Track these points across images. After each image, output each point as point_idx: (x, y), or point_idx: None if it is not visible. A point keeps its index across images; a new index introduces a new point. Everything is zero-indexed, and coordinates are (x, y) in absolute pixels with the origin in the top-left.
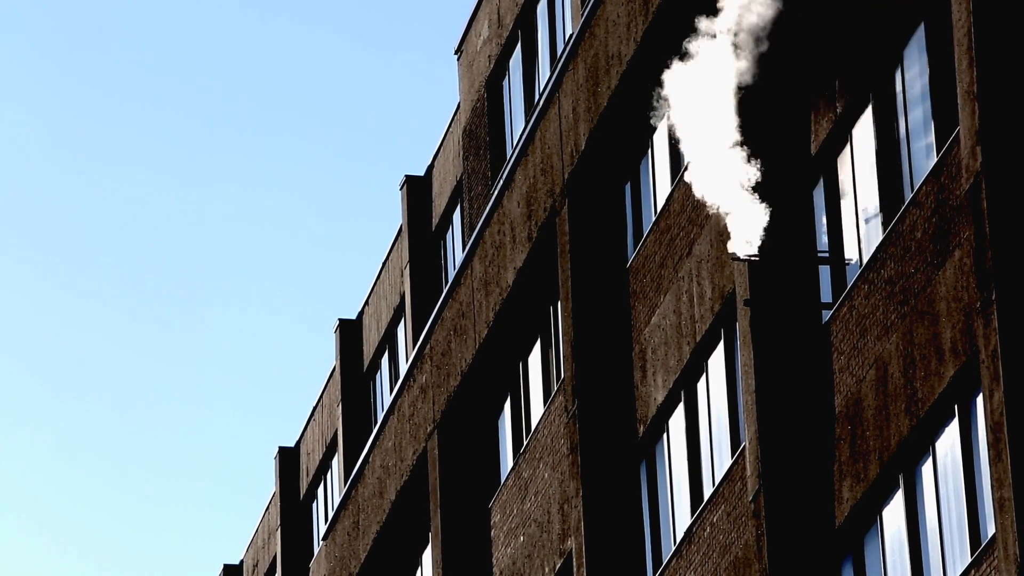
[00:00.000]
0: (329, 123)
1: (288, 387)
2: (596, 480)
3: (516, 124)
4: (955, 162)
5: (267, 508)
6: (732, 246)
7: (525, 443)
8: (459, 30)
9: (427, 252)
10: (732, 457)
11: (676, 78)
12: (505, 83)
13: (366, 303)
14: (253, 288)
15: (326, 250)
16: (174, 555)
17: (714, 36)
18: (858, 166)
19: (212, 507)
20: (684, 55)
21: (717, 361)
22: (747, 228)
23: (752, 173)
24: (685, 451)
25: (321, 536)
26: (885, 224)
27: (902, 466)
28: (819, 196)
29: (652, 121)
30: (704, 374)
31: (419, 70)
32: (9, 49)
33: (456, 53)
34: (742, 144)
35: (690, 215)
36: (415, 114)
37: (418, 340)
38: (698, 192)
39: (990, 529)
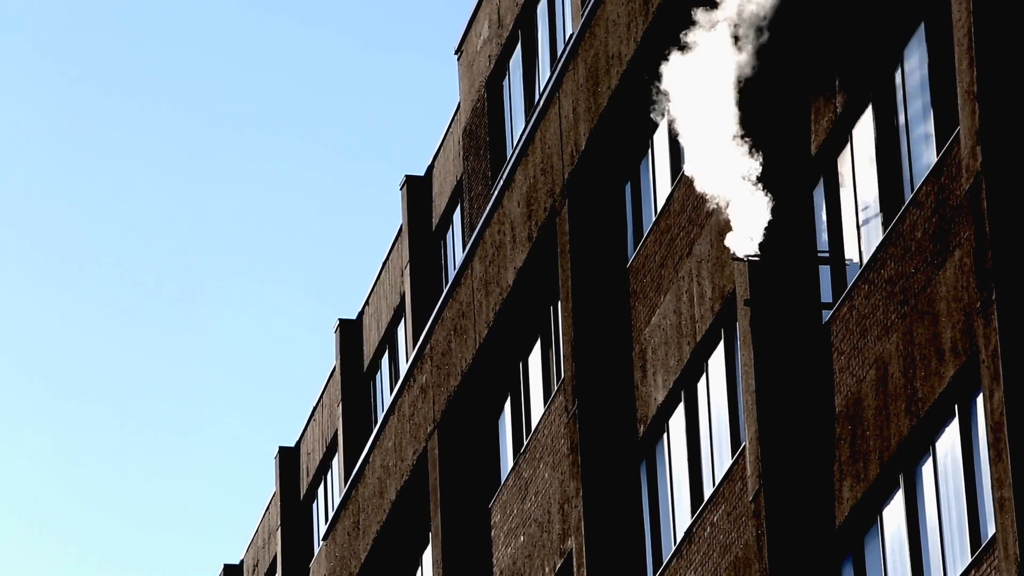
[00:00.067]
0: (329, 123)
1: (288, 387)
2: (596, 480)
3: (516, 124)
4: (955, 162)
5: (267, 508)
6: (733, 239)
7: (525, 443)
8: (459, 30)
9: (427, 252)
10: (732, 457)
11: (676, 72)
12: (505, 83)
13: (366, 303)
14: (253, 288)
15: (326, 250)
16: (174, 555)
17: (713, 26)
18: (858, 166)
19: (212, 507)
20: (684, 47)
21: (717, 361)
22: (748, 220)
23: (753, 166)
24: (685, 451)
25: (321, 536)
26: (885, 224)
27: (902, 466)
28: (819, 196)
29: (652, 115)
30: (704, 374)
31: (419, 70)
32: (9, 49)
33: (456, 53)
34: (743, 136)
35: (690, 215)
36: (415, 114)
37: (418, 340)
38: (699, 186)
39: (990, 529)
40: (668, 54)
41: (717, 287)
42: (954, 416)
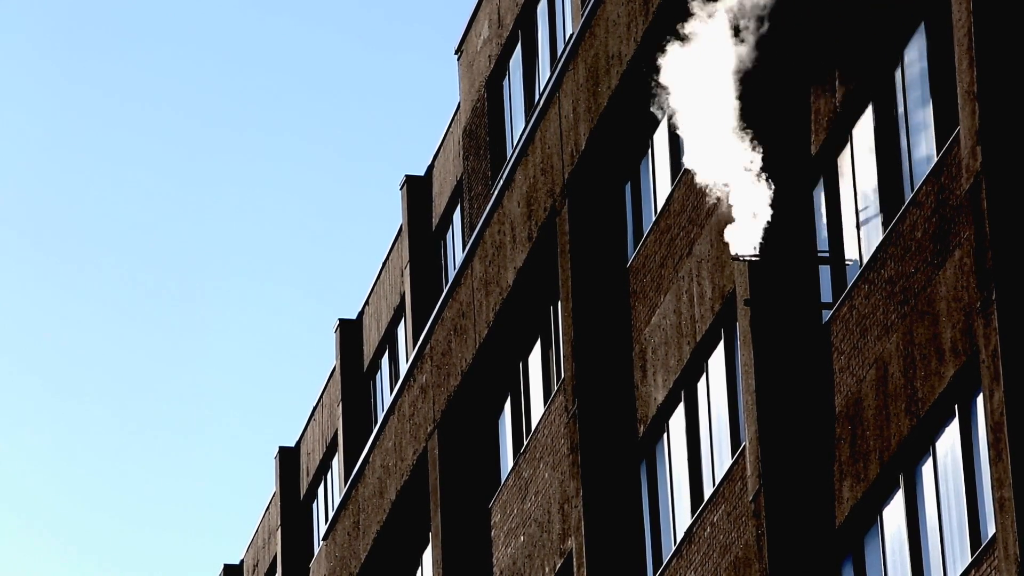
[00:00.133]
0: (329, 123)
1: (288, 387)
2: (596, 480)
3: (516, 124)
4: (955, 162)
5: (267, 508)
6: (735, 231)
7: (525, 443)
8: (459, 30)
9: (427, 252)
10: (732, 457)
11: (675, 67)
12: (505, 83)
13: (366, 303)
14: (253, 288)
15: (326, 250)
16: (174, 555)
17: (711, 15)
18: (858, 166)
19: (212, 507)
20: (684, 38)
21: (717, 361)
22: (750, 211)
23: (754, 158)
24: (685, 451)
25: (321, 536)
26: (885, 224)
27: (902, 466)
28: (819, 196)
29: (652, 109)
30: (704, 374)
31: (419, 70)
32: (9, 49)
33: (456, 53)
34: (743, 127)
35: (690, 215)
36: (415, 114)
37: (418, 340)
38: (699, 178)
39: (990, 529)
40: (667, 44)
41: (717, 287)
42: (954, 416)
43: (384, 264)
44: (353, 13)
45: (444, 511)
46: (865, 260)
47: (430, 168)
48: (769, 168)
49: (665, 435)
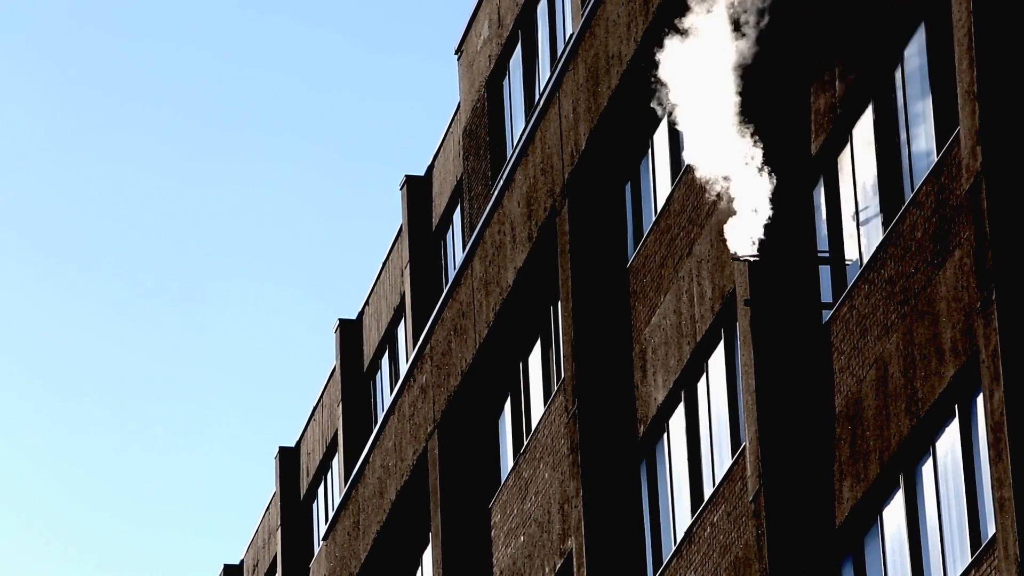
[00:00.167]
0: (329, 123)
1: (288, 387)
2: (596, 480)
3: (516, 124)
4: (955, 162)
5: (267, 508)
6: (736, 225)
7: (525, 443)
8: (459, 30)
9: (427, 252)
10: (732, 457)
11: (675, 66)
12: (505, 83)
13: (366, 303)
14: (253, 288)
15: (326, 250)
16: (174, 555)
17: (710, 10)
18: (858, 166)
19: (212, 507)
20: (684, 33)
21: (717, 361)
22: (751, 204)
23: (755, 153)
24: (685, 451)
25: (321, 536)
26: (885, 224)
27: (902, 466)
28: (819, 196)
29: (653, 105)
30: (704, 374)
31: (419, 70)
32: (9, 49)
33: (456, 53)
34: (744, 121)
35: (690, 215)
36: (415, 114)
37: (418, 340)
38: (700, 172)
39: (990, 529)
40: (666, 36)
41: (717, 287)
42: (954, 416)
43: (384, 264)
44: (353, 13)
45: (444, 511)
46: (865, 260)
47: (430, 168)
48: (769, 170)
49: (665, 435)
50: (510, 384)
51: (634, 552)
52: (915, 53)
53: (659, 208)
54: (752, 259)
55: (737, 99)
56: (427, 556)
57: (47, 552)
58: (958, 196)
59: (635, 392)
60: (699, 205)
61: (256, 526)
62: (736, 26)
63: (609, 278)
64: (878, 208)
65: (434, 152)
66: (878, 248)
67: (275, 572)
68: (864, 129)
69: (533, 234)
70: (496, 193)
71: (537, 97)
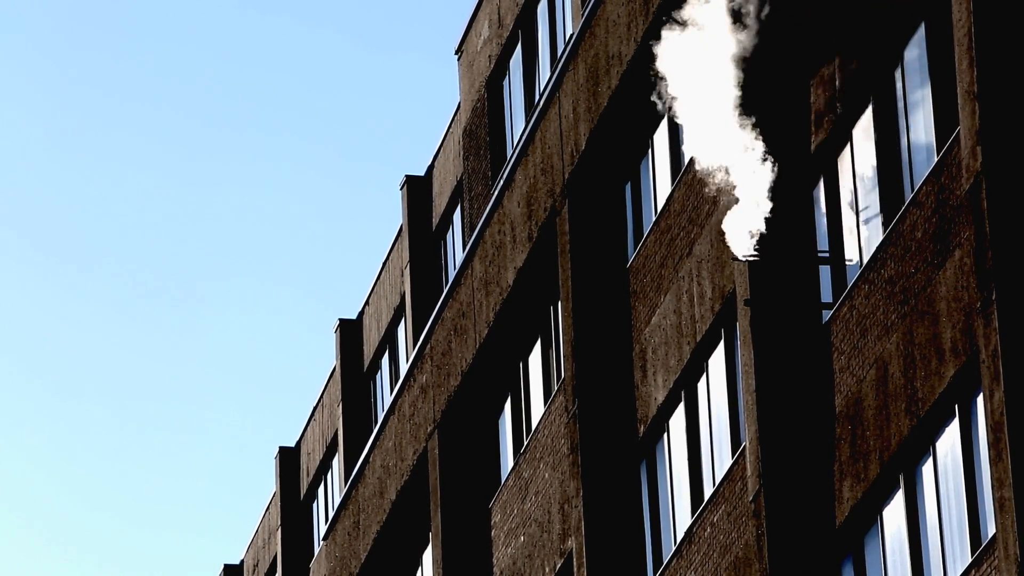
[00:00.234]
0: (329, 123)
1: (288, 387)
2: (596, 480)
3: (516, 124)
4: (955, 162)
5: (267, 508)
6: (736, 218)
7: (525, 443)
8: (459, 30)
9: (427, 252)
10: (732, 457)
11: (675, 57)
12: (505, 83)
13: (366, 303)
14: (253, 288)
15: (326, 250)
16: (174, 555)
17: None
18: (858, 166)
19: (212, 507)
20: (683, 24)
21: (717, 361)
22: (751, 199)
23: (756, 146)
24: (685, 451)
25: (321, 536)
26: (885, 224)
27: (902, 466)
28: (819, 196)
29: (653, 98)
30: (704, 374)
31: (419, 70)
32: (9, 49)
33: (456, 53)
34: (743, 114)
35: (690, 215)
36: (415, 114)
37: (418, 340)
38: (700, 164)
39: (990, 529)
40: (666, 26)
41: (717, 287)
42: (954, 416)
43: (384, 264)
44: (353, 13)
45: (444, 511)
46: (865, 260)
47: (430, 168)
48: (769, 165)
49: (665, 435)
50: (510, 384)
51: (634, 552)
52: (915, 53)
53: (659, 208)
54: (752, 259)
55: (737, 100)
56: (427, 556)
57: (47, 552)
58: (958, 196)
59: (635, 392)
60: (699, 205)
61: (256, 526)
62: (736, 17)
63: (609, 278)
64: (878, 208)
65: (434, 152)
66: (878, 248)
67: (275, 572)
68: (864, 129)
69: (533, 234)
70: (496, 193)
71: (537, 97)
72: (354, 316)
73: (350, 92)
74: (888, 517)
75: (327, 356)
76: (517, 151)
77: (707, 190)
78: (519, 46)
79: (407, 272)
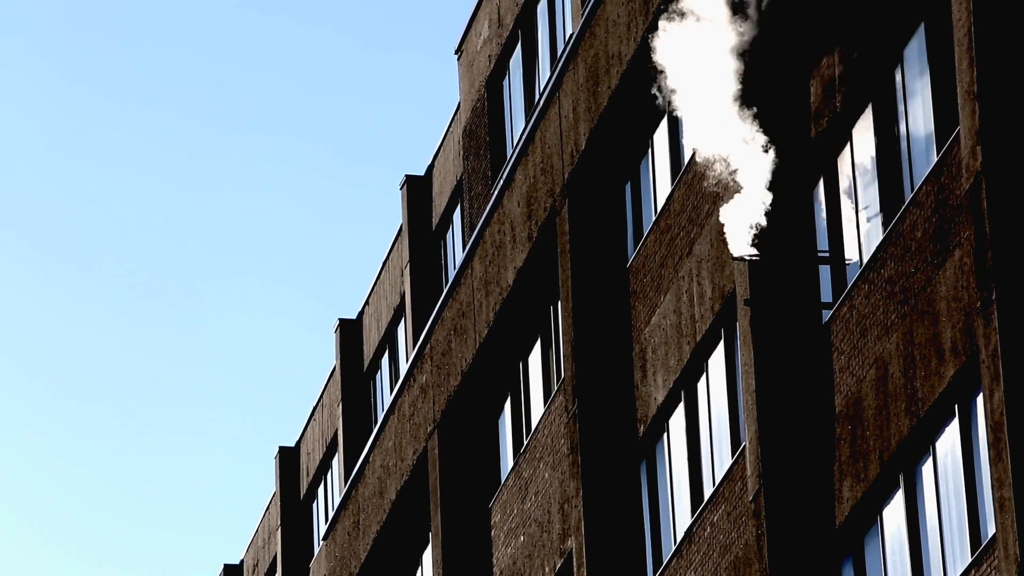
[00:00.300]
0: (329, 123)
1: (288, 387)
2: (596, 480)
3: (516, 124)
4: (955, 162)
5: (267, 508)
6: (737, 209)
7: (525, 443)
8: (459, 30)
9: (427, 252)
10: (732, 457)
11: (674, 51)
12: (505, 83)
13: (366, 303)
14: (253, 288)
15: (326, 250)
16: (174, 555)
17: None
18: (858, 166)
19: (212, 507)
20: (681, 17)
21: (717, 361)
22: (752, 189)
23: (757, 137)
24: (685, 451)
25: (321, 536)
26: (885, 224)
27: (902, 466)
28: (819, 196)
29: (653, 91)
30: (704, 374)
31: (419, 70)
32: (9, 49)
33: (456, 53)
34: (743, 106)
35: (690, 215)
36: (415, 114)
37: (418, 340)
38: (701, 156)
39: (990, 529)
40: (666, 12)
41: (717, 287)
42: (954, 416)
43: (384, 264)
44: (353, 13)
45: (444, 511)
46: (865, 260)
47: (430, 168)
48: (770, 156)
49: (665, 435)
50: (510, 384)
51: (634, 552)
52: (915, 53)
53: (659, 208)
54: (752, 259)
55: (737, 100)
56: (427, 556)
57: (47, 552)
58: (958, 196)
59: (635, 392)
60: (699, 205)
61: (256, 526)
62: (736, 9)
63: (609, 278)
64: (878, 208)
65: (434, 152)
66: (878, 248)
67: (275, 572)
68: (864, 129)
69: (533, 234)
70: (496, 193)
71: (537, 97)
72: (354, 316)
73: (350, 92)
74: (888, 517)
75: (327, 356)
76: (517, 151)
77: (707, 184)
78: (519, 46)
79: (407, 272)
